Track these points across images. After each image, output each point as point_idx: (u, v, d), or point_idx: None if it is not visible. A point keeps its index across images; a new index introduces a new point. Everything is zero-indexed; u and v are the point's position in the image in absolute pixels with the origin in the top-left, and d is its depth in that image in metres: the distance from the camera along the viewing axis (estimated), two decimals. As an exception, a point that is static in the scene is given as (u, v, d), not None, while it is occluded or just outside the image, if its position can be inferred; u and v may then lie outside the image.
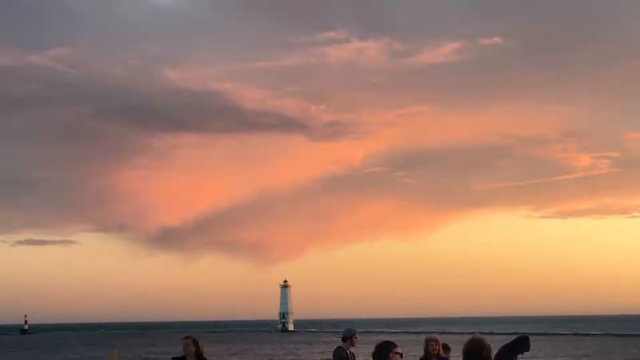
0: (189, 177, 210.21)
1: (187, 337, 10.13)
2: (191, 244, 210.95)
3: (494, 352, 7.44)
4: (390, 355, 7.58)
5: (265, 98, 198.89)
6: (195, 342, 10.02)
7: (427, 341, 11.27)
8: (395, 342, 7.84)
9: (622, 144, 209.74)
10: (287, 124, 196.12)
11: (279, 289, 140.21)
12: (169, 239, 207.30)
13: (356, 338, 11.25)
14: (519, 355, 10.58)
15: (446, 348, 11.54)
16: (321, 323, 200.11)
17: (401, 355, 7.66)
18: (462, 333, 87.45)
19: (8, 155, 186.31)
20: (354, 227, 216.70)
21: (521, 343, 8.13)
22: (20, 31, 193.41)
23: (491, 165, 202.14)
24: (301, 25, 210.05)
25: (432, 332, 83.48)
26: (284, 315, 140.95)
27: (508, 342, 7.99)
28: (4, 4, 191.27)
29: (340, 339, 11.27)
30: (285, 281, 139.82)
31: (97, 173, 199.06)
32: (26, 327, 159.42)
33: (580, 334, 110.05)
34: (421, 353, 11.21)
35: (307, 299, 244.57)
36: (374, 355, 7.58)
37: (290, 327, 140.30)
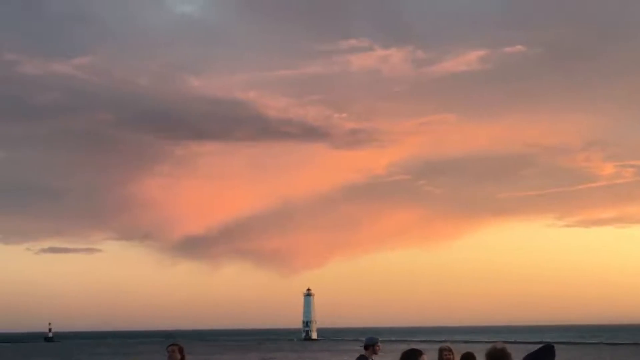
0: (212, 186, 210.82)
1: (172, 345, 9.91)
2: (214, 252, 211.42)
3: None
4: None
5: (287, 106, 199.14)
6: (181, 350, 9.83)
7: (441, 351, 11.09)
8: (422, 350, 7.81)
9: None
10: (309, 133, 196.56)
11: (302, 298, 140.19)
12: (192, 247, 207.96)
13: (379, 346, 11.19)
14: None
15: (471, 357, 11.38)
16: (344, 331, 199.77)
17: None
18: (486, 342, 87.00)
19: (32, 164, 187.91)
20: (377, 235, 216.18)
21: (546, 352, 8.05)
22: (43, 40, 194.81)
23: (514, 174, 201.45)
24: (324, 34, 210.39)
25: (455, 341, 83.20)
26: (307, 323, 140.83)
27: (531, 351, 7.92)
28: (28, 13, 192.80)
29: (363, 347, 11.24)
30: (309, 289, 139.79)
31: (120, 181, 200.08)
32: (50, 335, 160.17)
33: (606, 343, 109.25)
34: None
35: (330, 308, 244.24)
36: None
37: (314, 335, 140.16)
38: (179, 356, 9.64)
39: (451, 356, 10.98)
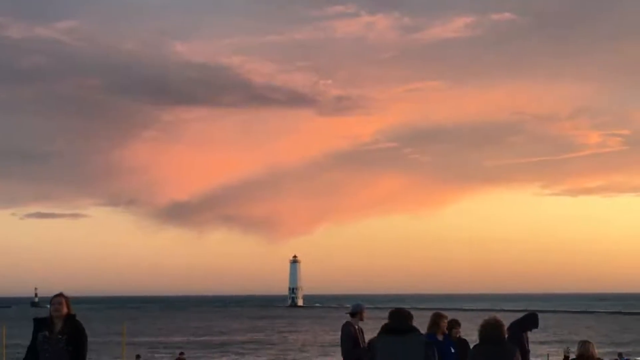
0: (199, 152, 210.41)
1: (58, 296, 8.58)
2: (200, 219, 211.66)
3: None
4: None
5: (274, 72, 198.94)
6: (67, 302, 8.56)
7: (441, 318, 10.81)
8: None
9: (633, 122, 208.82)
10: (295, 99, 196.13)
11: (288, 264, 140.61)
12: (178, 213, 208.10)
13: (364, 313, 11.24)
14: (529, 332, 10.55)
15: (456, 323, 11.43)
16: (330, 298, 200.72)
17: None
18: (473, 310, 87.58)
19: (17, 128, 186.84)
20: (363, 203, 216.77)
21: (530, 320, 8.16)
22: (27, 3, 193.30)
23: (502, 141, 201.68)
24: (310, 0, 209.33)
25: (444, 309, 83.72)
26: (293, 290, 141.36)
27: (517, 319, 8.00)
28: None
29: (349, 314, 11.26)
30: (295, 256, 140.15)
31: (106, 147, 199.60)
32: (36, 299, 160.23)
33: (591, 312, 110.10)
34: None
35: (316, 275, 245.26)
36: None
37: (300, 302, 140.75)
38: (65, 309, 8.46)
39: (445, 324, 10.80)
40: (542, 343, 49.80)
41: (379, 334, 7.96)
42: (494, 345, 7.21)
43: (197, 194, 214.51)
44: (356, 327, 11.12)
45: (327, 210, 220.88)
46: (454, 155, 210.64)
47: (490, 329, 7.28)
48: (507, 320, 7.68)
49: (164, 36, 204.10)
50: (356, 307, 11.31)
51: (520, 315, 10.45)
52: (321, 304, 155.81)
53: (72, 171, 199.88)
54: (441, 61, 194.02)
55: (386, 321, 8.05)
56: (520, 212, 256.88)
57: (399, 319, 7.98)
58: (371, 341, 8.52)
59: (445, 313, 10.86)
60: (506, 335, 7.38)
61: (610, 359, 32.07)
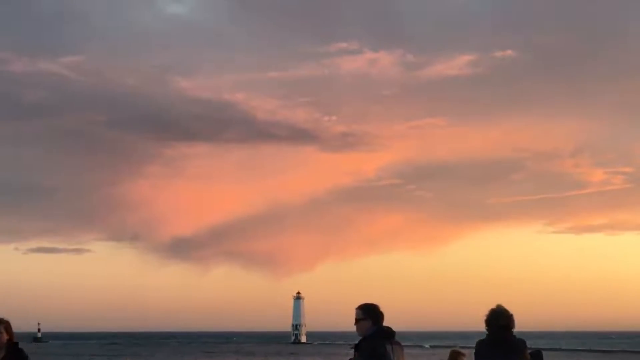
0: (201, 187, 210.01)
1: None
2: (203, 255, 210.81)
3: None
4: None
5: (276, 109, 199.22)
6: (8, 328, 8.15)
7: (459, 355, 10.69)
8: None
9: (636, 159, 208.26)
10: (298, 135, 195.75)
11: (292, 301, 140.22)
12: (181, 249, 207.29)
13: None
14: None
15: (460, 354, 11.41)
16: (334, 335, 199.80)
17: None
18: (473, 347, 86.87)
19: (19, 163, 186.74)
20: (367, 239, 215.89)
21: (535, 357, 8.10)
22: (31, 38, 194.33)
23: (504, 179, 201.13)
24: (313, 36, 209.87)
25: (449, 347, 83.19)
26: (296, 326, 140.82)
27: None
28: (17, 11, 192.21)
29: (353, 350, 11.22)
30: (299, 293, 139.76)
31: (109, 182, 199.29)
32: (39, 335, 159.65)
33: (594, 350, 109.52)
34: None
35: (319, 311, 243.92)
36: None
37: (303, 339, 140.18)
38: (6, 336, 8.06)
39: None
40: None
41: None
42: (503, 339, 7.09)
43: (200, 229, 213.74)
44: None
45: (331, 247, 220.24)
46: (456, 193, 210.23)
47: (494, 317, 7.20)
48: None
49: (167, 72, 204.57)
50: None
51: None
52: (325, 340, 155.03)
53: (75, 206, 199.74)
54: (443, 98, 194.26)
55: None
56: (522, 250, 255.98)
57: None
58: None
59: (463, 350, 10.76)
60: (513, 325, 7.30)
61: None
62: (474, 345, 8.13)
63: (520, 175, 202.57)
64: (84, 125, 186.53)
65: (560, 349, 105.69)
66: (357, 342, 11.63)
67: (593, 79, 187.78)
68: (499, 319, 7.28)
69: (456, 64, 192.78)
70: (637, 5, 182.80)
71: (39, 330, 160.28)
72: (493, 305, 7.57)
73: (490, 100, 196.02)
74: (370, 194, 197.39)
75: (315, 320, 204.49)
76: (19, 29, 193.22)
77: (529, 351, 8.03)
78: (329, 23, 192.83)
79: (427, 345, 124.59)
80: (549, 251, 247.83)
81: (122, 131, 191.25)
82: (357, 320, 7.83)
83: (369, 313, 7.92)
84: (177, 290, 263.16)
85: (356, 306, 7.86)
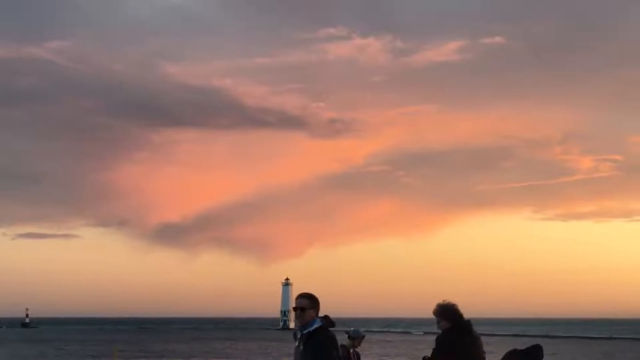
0: (190, 173, 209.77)
1: None
2: (192, 241, 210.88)
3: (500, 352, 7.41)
4: None
5: (265, 95, 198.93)
6: None
7: None
8: None
9: (625, 147, 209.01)
10: (287, 122, 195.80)
11: (280, 287, 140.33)
12: (169, 235, 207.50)
13: (360, 342, 11.22)
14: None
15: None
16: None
17: None
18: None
19: (9, 149, 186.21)
20: (356, 226, 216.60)
21: (535, 353, 8.03)
22: (19, 23, 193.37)
23: (494, 166, 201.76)
24: (302, 22, 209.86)
25: (434, 333, 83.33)
26: (285, 313, 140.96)
27: (520, 349, 7.89)
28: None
29: (347, 336, 11.18)
30: (287, 279, 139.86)
31: (97, 168, 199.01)
32: (27, 320, 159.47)
33: (581, 337, 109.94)
34: (416, 353, 10.90)
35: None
36: None
37: (292, 324, 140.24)
38: None
39: None
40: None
41: None
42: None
43: (188, 215, 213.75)
44: (351, 350, 11.08)
45: (319, 233, 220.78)
46: (445, 179, 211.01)
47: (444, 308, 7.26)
48: (505, 345, 7.62)
49: (155, 58, 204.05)
50: (356, 332, 11.29)
51: (511, 340, 10.40)
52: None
53: (64, 192, 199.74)
54: (432, 85, 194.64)
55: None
56: (511, 237, 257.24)
57: None
58: None
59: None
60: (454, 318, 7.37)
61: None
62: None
63: (510, 163, 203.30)
64: (73, 111, 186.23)
65: (548, 336, 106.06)
66: (353, 328, 11.59)
67: (582, 67, 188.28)
68: (457, 310, 7.39)
69: (445, 51, 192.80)
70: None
71: (27, 315, 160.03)
72: (445, 298, 7.62)
73: (478, 87, 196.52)
74: (359, 180, 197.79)
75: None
76: (5, 13, 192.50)
77: (527, 346, 8.00)
78: (317, 9, 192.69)
79: (419, 332, 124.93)
80: (538, 238, 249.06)
81: (111, 117, 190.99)
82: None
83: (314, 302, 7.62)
84: (166, 275, 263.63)
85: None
